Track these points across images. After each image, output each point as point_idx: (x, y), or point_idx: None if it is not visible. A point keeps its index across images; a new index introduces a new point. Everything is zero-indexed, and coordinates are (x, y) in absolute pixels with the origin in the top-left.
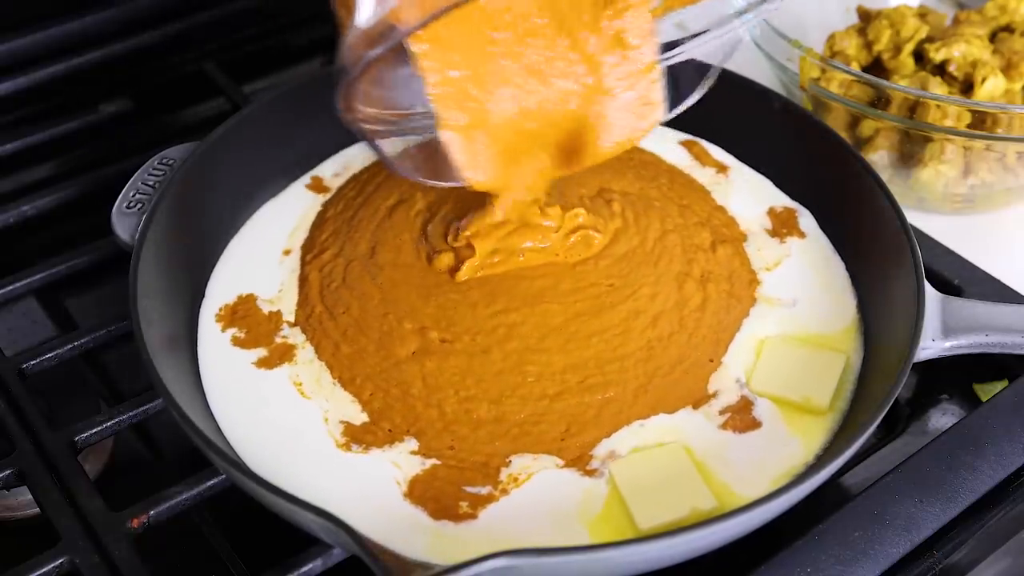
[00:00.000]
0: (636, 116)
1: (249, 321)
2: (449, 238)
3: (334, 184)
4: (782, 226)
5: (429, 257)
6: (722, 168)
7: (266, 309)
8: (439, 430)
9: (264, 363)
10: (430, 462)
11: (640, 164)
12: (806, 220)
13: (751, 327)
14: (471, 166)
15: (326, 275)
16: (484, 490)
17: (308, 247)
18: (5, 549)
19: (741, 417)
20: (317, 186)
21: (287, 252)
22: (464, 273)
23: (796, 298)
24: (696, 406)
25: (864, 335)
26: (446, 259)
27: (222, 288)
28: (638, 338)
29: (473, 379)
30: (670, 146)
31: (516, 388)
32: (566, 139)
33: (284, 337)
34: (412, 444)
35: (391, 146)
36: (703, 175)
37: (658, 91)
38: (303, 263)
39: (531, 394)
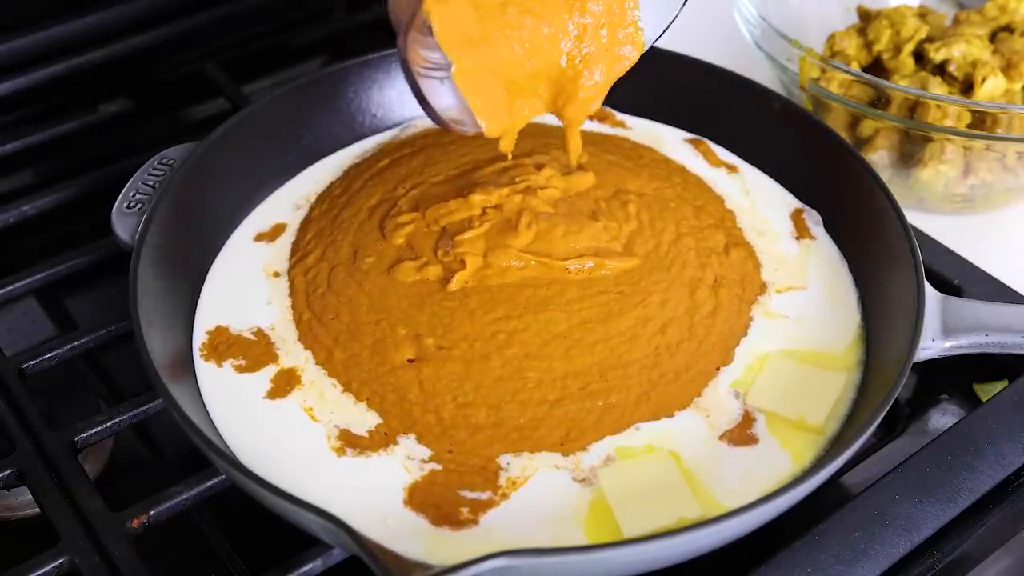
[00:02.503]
0: (617, 54)
1: (239, 348)
2: (440, 252)
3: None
4: (795, 227)
5: (421, 266)
6: (732, 168)
7: (247, 333)
8: (437, 435)
9: (273, 393)
10: (428, 467)
11: (652, 163)
12: (814, 221)
13: (757, 336)
14: (478, 107)
15: (311, 280)
16: (484, 495)
17: (294, 249)
18: (5, 549)
19: (740, 431)
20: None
21: (276, 274)
22: (455, 284)
23: (803, 313)
24: (696, 413)
25: (865, 337)
26: (434, 271)
27: (206, 317)
28: (645, 345)
29: (471, 385)
30: (678, 144)
31: (516, 394)
32: (559, 78)
33: (278, 350)
34: (410, 449)
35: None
36: (715, 175)
37: (635, 26)
38: (290, 267)
39: (531, 400)
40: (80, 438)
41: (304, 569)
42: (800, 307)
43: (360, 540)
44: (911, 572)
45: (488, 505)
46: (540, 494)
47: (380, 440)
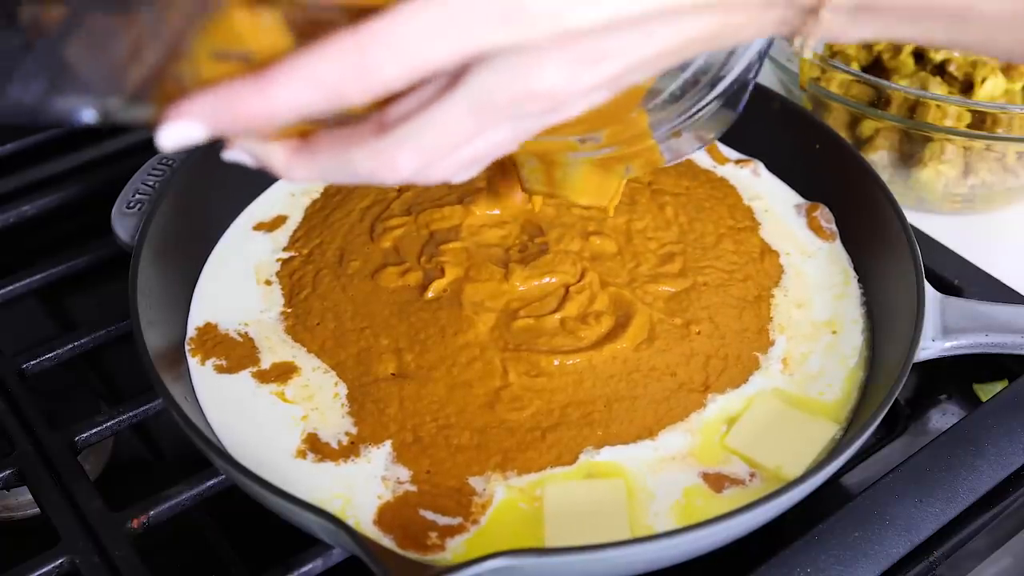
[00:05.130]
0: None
1: (223, 347)
2: (422, 259)
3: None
4: (810, 226)
5: (403, 272)
6: (743, 163)
7: (234, 333)
8: (415, 453)
9: (254, 393)
10: (404, 488)
11: None
12: (826, 220)
13: (764, 369)
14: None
15: (296, 282)
16: (455, 521)
17: (287, 247)
18: (5, 549)
19: (723, 477)
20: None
21: (266, 273)
22: (430, 291)
23: (806, 350)
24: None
25: (866, 340)
26: (414, 277)
27: (198, 313)
28: (671, 381)
29: (454, 408)
30: None
31: (503, 421)
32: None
33: (260, 354)
34: (387, 465)
35: None
36: (728, 171)
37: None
38: (279, 267)
39: (521, 426)
40: (80, 438)
41: (304, 569)
42: (805, 333)
43: (360, 540)
44: (911, 572)
45: (457, 531)
46: (507, 518)
47: (349, 449)
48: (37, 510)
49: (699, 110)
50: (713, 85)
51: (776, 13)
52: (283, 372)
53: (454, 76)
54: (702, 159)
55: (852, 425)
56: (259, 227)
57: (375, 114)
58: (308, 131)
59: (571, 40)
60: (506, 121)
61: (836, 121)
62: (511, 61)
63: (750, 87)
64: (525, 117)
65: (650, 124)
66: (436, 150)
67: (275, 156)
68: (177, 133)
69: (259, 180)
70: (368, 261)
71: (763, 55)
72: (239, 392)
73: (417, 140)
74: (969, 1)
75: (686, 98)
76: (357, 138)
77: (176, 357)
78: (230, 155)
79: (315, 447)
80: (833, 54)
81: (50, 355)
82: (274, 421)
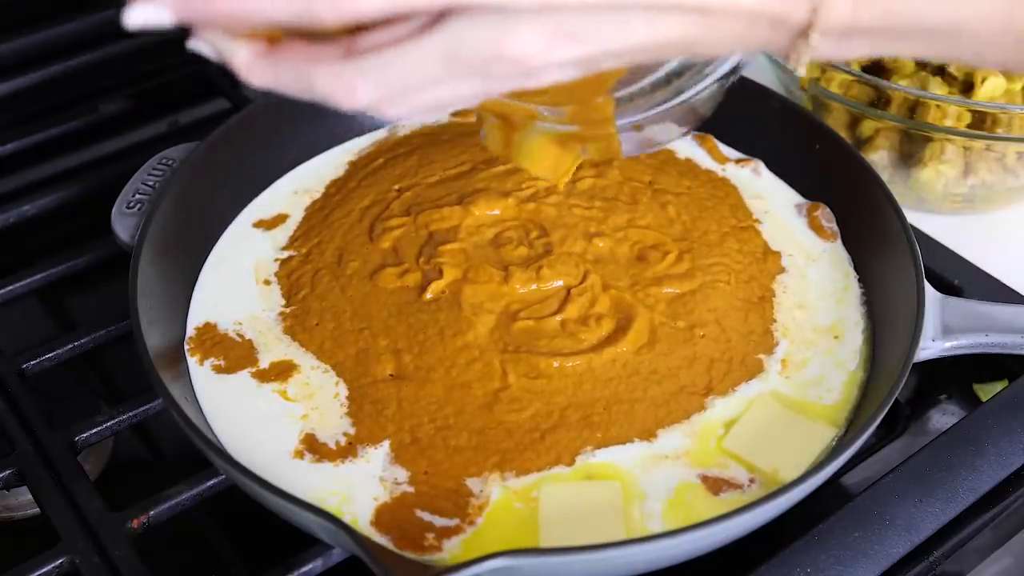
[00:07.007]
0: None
1: (222, 347)
2: (421, 260)
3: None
4: (811, 226)
5: (401, 273)
6: (743, 163)
7: (232, 333)
8: (413, 454)
9: (252, 394)
10: (401, 489)
11: (669, 160)
12: (827, 219)
13: (765, 372)
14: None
15: (294, 282)
16: (452, 522)
17: (286, 246)
18: (5, 549)
19: (722, 480)
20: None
21: (265, 272)
22: (428, 292)
23: (806, 356)
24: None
25: (865, 341)
26: (413, 278)
27: (197, 312)
28: (671, 383)
29: (452, 409)
30: (686, 141)
31: (502, 422)
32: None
33: (259, 354)
34: (385, 466)
35: None
36: (730, 172)
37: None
38: (277, 267)
39: (520, 428)
40: (80, 438)
41: (304, 569)
42: (807, 339)
43: (360, 540)
44: (911, 572)
45: (455, 532)
46: (503, 519)
47: (350, 450)
48: (37, 510)
49: (665, 111)
50: (683, 90)
51: (762, 32)
52: (282, 371)
53: (431, 20)
54: (703, 159)
55: (852, 426)
56: (259, 224)
57: (346, 38)
58: (276, 37)
59: (550, 13)
60: (473, 76)
61: (836, 121)
62: (488, 20)
63: (718, 99)
64: (493, 76)
65: (615, 113)
66: (397, 87)
67: (239, 55)
68: (145, 14)
69: (259, 178)
70: (367, 262)
71: (736, 72)
72: (238, 392)
73: (380, 73)
74: (959, 20)
75: (655, 96)
76: (323, 57)
77: (176, 357)
78: (194, 44)
79: (313, 447)
80: None
81: (50, 355)
82: (272, 421)
